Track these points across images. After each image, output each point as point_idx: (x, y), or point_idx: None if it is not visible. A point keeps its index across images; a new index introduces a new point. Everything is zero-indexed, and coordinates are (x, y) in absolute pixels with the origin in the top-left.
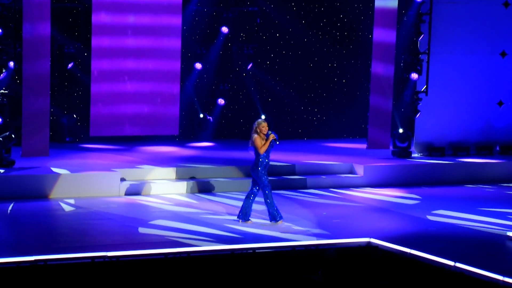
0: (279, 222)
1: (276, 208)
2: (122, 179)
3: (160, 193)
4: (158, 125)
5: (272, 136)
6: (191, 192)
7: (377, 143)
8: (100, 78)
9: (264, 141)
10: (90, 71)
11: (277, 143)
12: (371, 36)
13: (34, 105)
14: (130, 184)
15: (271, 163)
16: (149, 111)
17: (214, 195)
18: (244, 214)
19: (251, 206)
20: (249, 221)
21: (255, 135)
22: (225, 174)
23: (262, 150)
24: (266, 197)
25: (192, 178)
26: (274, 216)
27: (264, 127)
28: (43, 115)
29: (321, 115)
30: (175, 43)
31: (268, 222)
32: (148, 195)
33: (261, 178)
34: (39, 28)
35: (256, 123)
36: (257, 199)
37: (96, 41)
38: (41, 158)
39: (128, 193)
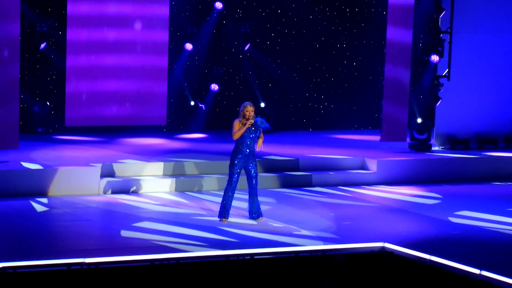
0: (223, 220)
1: (224, 205)
2: (102, 176)
3: (146, 191)
4: (143, 114)
5: (250, 122)
6: (180, 190)
7: (392, 134)
8: (77, 60)
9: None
10: (66, 52)
11: (255, 130)
12: (385, 13)
13: (0, 91)
14: (111, 181)
15: (271, 157)
16: (133, 98)
17: (206, 193)
18: (252, 213)
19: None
20: (260, 218)
21: (236, 119)
22: (219, 170)
23: (234, 136)
24: (225, 189)
25: (181, 174)
26: (220, 212)
27: (248, 111)
28: (12, 102)
29: (329, 103)
30: (162, 17)
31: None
32: (131, 193)
33: (230, 168)
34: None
35: (242, 105)
36: (239, 195)
37: (72, 15)
38: (10, 151)
39: (109, 191)
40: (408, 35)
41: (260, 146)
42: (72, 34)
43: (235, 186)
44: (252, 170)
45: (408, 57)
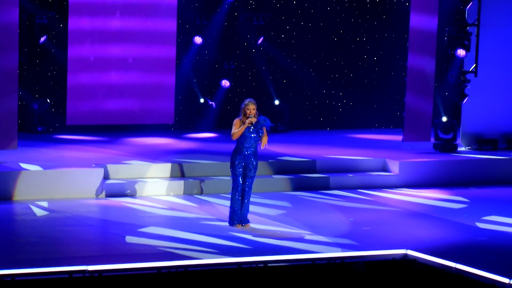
0: (237, 226)
1: (233, 211)
2: (106, 178)
3: (152, 194)
4: (149, 112)
5: (249, 121)
6: (189, 193)
7: (416, 134)
8: (79, 53)
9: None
10: (67, 45)
11: (256, 128)
12: (408, 4)
13: None
14: (115, 184)
15: (286, 158)
16: (139, 95)
17: (217, 196)
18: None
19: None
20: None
21: (237, 118)
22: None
23: (233, 136)
24: (232, 194)
25: (190, 176)
26: (230, 219)
27: (249, 109)
28: (10, 100)
29: (347, 100)
30: (171, 5)
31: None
32: (136, 196)
33: (232, 170)
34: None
35: (243, 103)
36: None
37: (74, 5)
38: (8, 151)
39: (113, 194)
40: (433, 23)
41: (264, 144)
42: (74, 25)
43: (241, 188)
44: (251, 170)
45: (433, 46)
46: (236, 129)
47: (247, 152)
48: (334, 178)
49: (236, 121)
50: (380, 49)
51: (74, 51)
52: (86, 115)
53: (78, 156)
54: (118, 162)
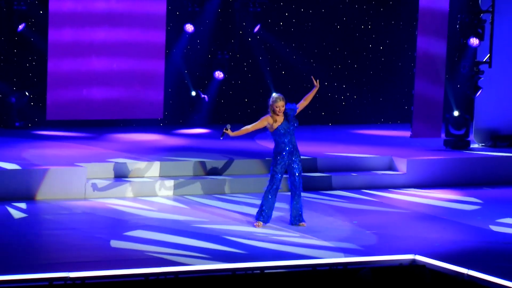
0: (258, 224)
1: (262, 209)
2: (89, 177)
3: (139, 195)
4: (136, 106)
5: (225, 130)
6: (179, 194)
7: (425, 130)
8: (60, 41)
9: (274, 123)
10: (47, 34)
11: (290, 121)
12: None
13: None
14: (100, 183)
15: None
16: (125, 88)
17: (210, 198)
18: (294, 217)
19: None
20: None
21: (266, 115)
22: (224, 170)
23: (237, 132)
24: (266, 191)
25: (181, 175)
26: (257, 213)
27: (278, 106)
28: None
29: (351, 94)
30: None
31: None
32: (123, 197)
33: (273, 168)
34: None
35: (270, 99)
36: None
37: None
38: None
39: (97, 195)
40: (445, 3)
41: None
42: (55, 7)
43: (278, 187)
44: (296, 167)
45: (444, 29)
46: (245, 128)
47: (290, 148)
48: (336, 178)
49: (264, 119)
50: (387, 38)
51: (54, 36)
52: (68, 109)
53: (59, 154)
54: (102, 160)
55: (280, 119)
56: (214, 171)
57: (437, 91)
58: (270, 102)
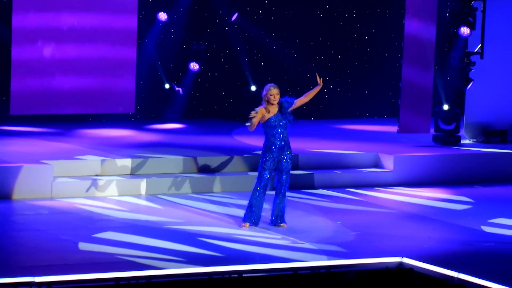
0: (245, 225)
1: (251, 208)
2: (56, 175)
3: (109, 194)
4: (106, 100)
5: (252, 116)
6: (152, 193)
7: (413, 125)
8: (25, 35)
9: (267, 114)
10: (11, 24)
11: (284, 114)
12: None
13: None
14: (67, 182)
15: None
16: (94, 81)
17: (184, 197)
18: (275, 217)
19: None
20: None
21: (260, 107)
22: (199, 168)
23: (250, 128)
24: (254, 188)
25: (154, 174)
26: (245, 214)
27: (273, 94)
28: None
29: (335, 86)
30: None
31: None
32: (92, 197)
33: (262, 165)
34: None
35: (264, 89)
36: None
37: None
38: None
39: (64, 194)
40: (433, 3)
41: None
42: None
43: (266, 184)
44: (285, 164)
45: (433, 15)
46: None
47: (281, 143)
48: (319, 176)
49: (260, 110)
50: (373, 26)
51: (19, 21)
52: (33, 103)
53: (24, 151)
54: (70, 157)
55: (274, 110)
56: (190, 169)
57: (426, 81)
58: (264, 92)
